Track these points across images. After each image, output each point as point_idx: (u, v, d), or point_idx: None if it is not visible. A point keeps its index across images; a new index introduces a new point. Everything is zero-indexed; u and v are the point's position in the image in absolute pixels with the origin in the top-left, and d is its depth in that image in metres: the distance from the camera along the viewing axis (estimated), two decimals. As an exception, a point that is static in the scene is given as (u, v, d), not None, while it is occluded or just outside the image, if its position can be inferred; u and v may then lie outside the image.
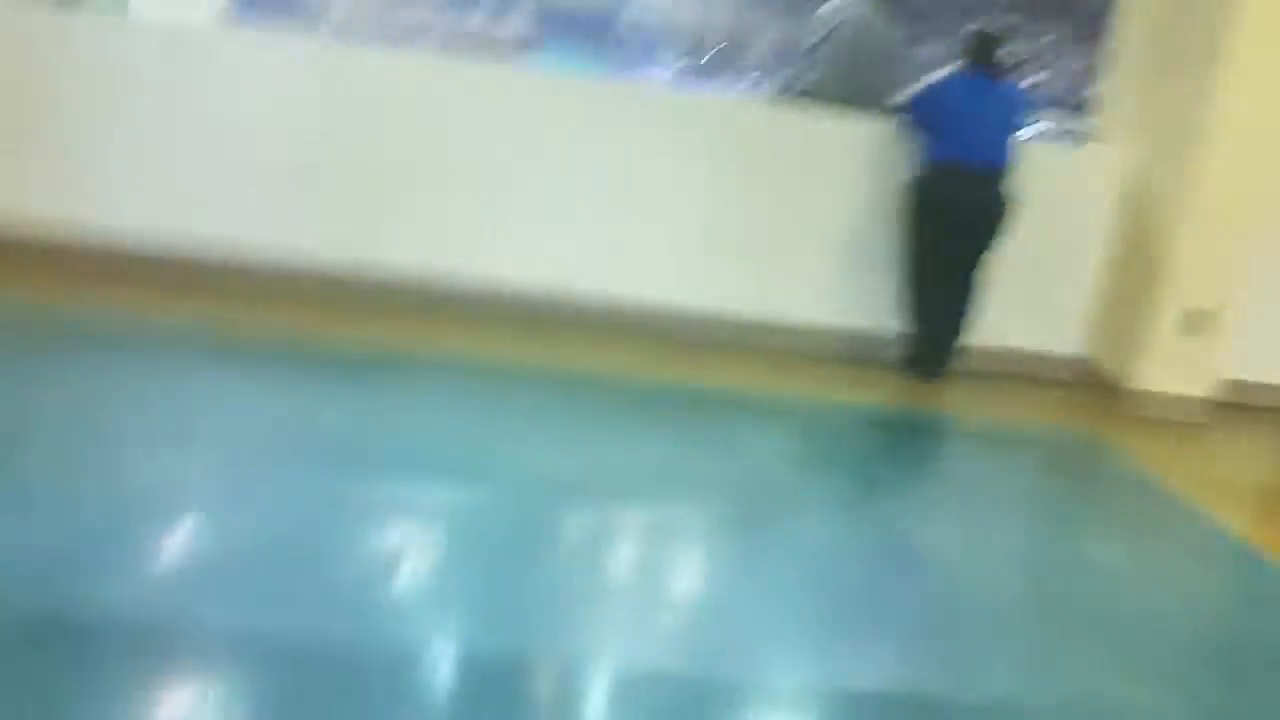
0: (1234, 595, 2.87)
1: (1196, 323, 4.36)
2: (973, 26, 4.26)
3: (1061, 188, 4.46)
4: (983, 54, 4.21)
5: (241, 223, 4.19)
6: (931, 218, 4.22)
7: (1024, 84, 4.58)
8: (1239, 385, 4.60)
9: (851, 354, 4.46)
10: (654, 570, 2.42)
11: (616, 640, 2.06)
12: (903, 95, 4.34)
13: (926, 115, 4.23)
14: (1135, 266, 4.49)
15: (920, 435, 3.81)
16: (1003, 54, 4.23)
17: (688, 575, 2.43)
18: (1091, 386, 4.56)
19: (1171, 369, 4.40)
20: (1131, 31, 4.77)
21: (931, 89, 4.27)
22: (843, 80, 4.41)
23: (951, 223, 4.21)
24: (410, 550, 2.28)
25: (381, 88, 4.19)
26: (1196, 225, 4.28)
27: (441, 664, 1.89)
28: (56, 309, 3.58)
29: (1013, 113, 4.25)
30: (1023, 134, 4.37)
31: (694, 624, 2.18)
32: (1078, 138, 4.88)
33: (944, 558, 2.69)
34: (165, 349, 3.35)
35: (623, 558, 2.44)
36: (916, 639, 2.23)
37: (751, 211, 4.37)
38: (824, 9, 4.50)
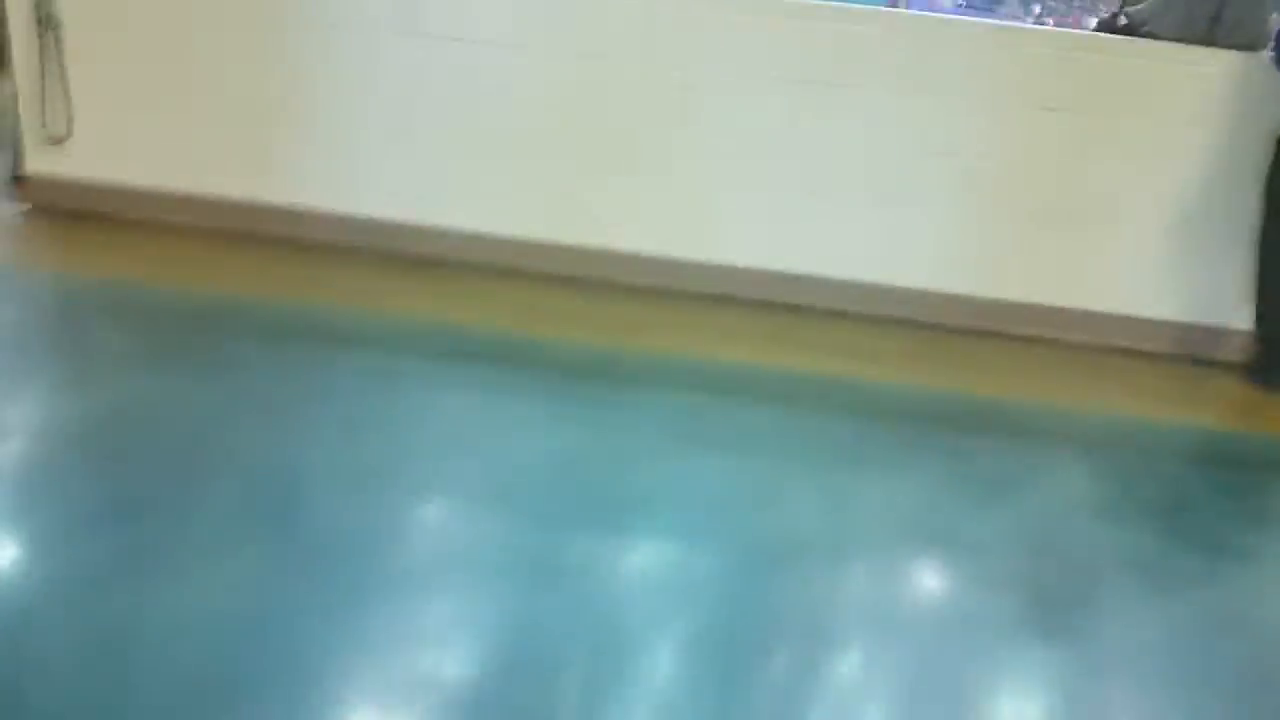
0: None
1: None
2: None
3: None
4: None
5: (448, 197, 3.74)
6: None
7: None
8: None
9: (1181, 356, 3.58)
10: (916, 684, 1.84)
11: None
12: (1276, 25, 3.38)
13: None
14: None
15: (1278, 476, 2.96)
16: None
17: (958, 694, 1.84)
18: None
19: None
20: None
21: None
22: (1191, 7, 3.48)
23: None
24: (616, 640, 1.83)
25: (615, 28, 3.58)
26: None
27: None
28: (246, 296, 3.37)
29: None
30: None
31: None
32: None
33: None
34: (367, 342, 3.05)
35: (875, 663, 1.88)
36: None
37: (1057, 172, 3.54)
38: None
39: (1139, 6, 3.57)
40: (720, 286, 3.67)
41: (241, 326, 3.05)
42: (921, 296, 3.64)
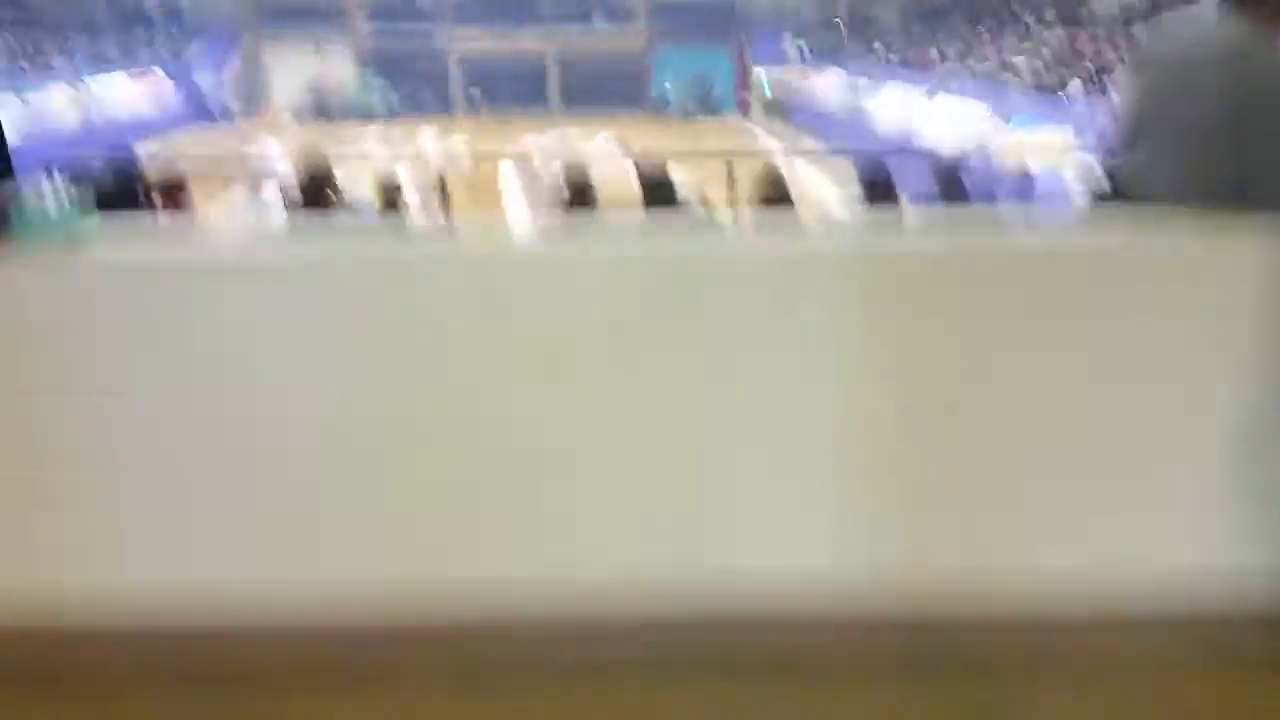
0: None
1: None
2: None
3: None
4: None
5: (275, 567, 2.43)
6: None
7: None
8: None
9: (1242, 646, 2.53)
10: None
11: None
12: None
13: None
14: None
15: None
16: None
17: None
18: None
19: None
20: None
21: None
22: (1191, 155, 2.51)
23: None
24: None
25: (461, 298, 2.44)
26: None
27: None
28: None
29: None
30: None
31: None
32: None
33: None
34: None
35: None
36: None
37: (1048, 402, 2.49)
38: (1161, 27, 2.58)
39: (1122, 160, 2.58)
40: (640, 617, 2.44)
41: None
42: (900, 597, 2.49)
